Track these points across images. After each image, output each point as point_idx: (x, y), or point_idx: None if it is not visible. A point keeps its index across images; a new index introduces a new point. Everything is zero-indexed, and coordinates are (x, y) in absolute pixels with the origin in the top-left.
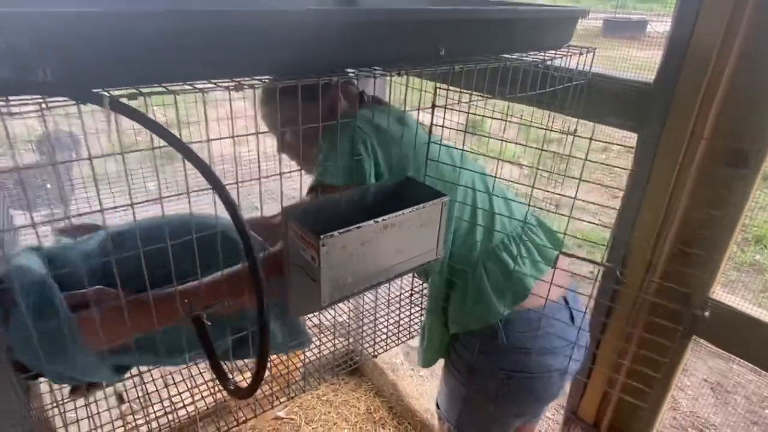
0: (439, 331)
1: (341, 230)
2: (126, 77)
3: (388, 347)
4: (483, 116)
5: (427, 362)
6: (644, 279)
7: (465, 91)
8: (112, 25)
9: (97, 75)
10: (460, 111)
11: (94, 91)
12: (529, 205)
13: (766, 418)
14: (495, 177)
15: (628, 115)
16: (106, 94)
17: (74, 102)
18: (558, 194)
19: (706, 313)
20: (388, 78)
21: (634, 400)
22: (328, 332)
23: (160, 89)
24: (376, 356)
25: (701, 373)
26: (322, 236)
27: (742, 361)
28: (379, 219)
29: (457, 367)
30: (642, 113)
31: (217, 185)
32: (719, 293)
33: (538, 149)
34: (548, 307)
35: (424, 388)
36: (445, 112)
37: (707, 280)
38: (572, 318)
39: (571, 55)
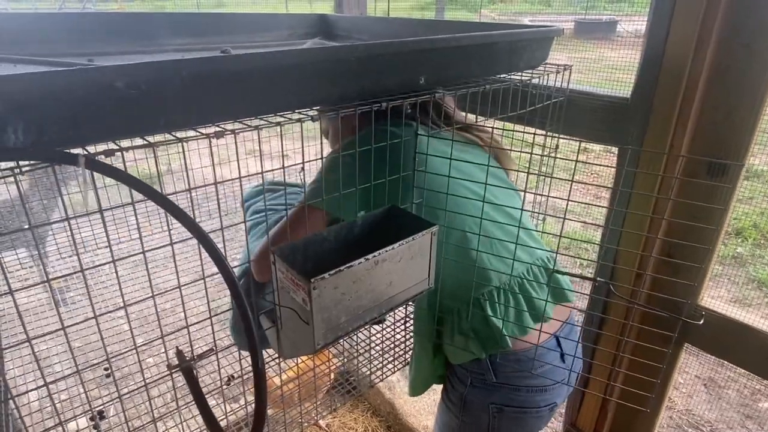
0: (428, 363)
1: (332, 272)
2: (102, 133)
3: (385, 376)
4: (462, 141)
5: (415, 392)
6: (633, 291)
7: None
8: (87, 81)
9: (71, 133)
10: (443, 138)
11: (67, 151)
12: (550, 251)
13: (759, 411)
14: (519, 208)
15: (608, 129)
16: (80, 152)
17: (47, 165)
18: (544, 196)
19: (700, 321)
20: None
21: (633, 405)
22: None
23: (140, 143)
24: (372, 386)
25: (693, 369)
26: (312, 279)
27: None
28: (370, 256)
29: (452, 398)
30: (621, 128)
31: (202, 238)
32: (707, 300)
33: (524, 152)
34: (539, 350)
35: (421, 405)
36: (428, 140)
37: (696, 289)
38: (563, 357)
39: (548, 74)
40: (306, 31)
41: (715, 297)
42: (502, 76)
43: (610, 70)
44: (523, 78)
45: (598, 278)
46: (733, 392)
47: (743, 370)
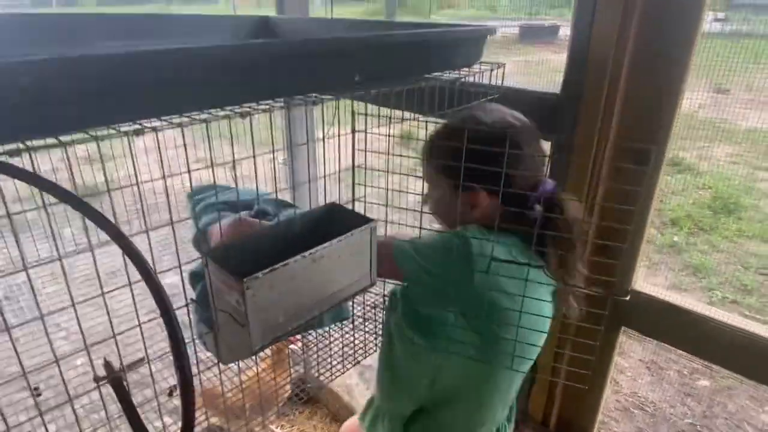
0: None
1: (266, 270)
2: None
3: (345, 369)
4: (402, 137)
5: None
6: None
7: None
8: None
9: None
10: (379, 135)
11: None
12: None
13: (697, 389)
14: None
15: (541, 124)
16: None
17: None
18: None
19: (627, 297)
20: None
21: (575, 384)
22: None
23: (52, 142)
24: (330, 381)
25: (637, 354)
26: (245, 279)
27: None
28: (307, 253)
29: None
30: (552, 122)
31: (118, 237)
32: (641, 284)
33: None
34: None
35: None
36: (366, 136)
37: (627, 273)
38: None
39: (483, 72)
40: (248, 33)
41: (655, 284)
42: (437, 75)
43: (552, 72)
44: (460, 75)
45: (531, 263)
46: (674, 373)
47: (681, 351)
